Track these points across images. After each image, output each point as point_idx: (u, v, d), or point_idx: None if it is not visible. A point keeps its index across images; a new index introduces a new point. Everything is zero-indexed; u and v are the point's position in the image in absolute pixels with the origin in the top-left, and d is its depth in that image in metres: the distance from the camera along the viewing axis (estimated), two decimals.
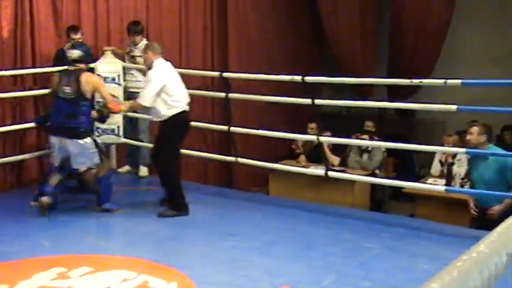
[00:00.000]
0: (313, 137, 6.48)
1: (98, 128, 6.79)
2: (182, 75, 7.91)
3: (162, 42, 7.95)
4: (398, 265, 4.52)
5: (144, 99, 5.58)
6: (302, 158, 7.65)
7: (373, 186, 7.03)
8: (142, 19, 7.80)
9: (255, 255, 4.71)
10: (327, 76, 6.93)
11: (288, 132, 6.69)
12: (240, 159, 6.61)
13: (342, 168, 7.16)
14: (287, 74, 6.46)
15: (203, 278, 4.17)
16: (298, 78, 6.16)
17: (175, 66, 7.89)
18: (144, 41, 7.10)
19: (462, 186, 6.38)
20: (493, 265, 1.51)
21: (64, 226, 5.33)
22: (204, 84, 8.22)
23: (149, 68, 5.70)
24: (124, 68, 7.06)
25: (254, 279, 4.22)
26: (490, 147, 5.42)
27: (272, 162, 6.85)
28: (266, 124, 7.68)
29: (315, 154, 7.46)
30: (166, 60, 5.93)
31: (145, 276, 4.17)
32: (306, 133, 7.83)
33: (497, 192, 5.19)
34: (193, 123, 7.15)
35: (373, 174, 7.13)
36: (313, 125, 7.81)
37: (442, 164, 7.00)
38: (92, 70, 6.22)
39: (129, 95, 7.09)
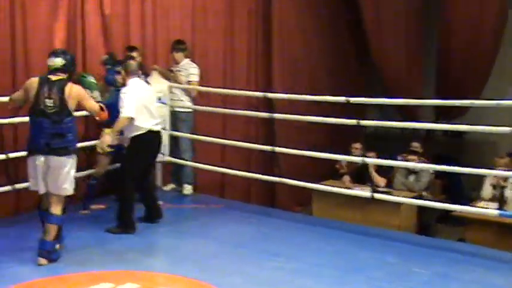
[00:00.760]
0: (359, 158, 6.42)
1: None
2: (226, 96, 8.07)
3: (207, 62, 8.10)
4: None
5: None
6: (346, 178, 7.58)
7: (420, 208, 6.90)
8: (188, 39, 7.92)
9: (299, 277, 4.67)
10: (371, 96, 6.88)
11: (332, 152, 6.66)
12: (284, 180, 6.59)
13: (387, 190, 7.06)
14: (331, 94, 6.44)
15: None
16: (342, 99, 6.13)
17: (220, 86, 8.06)
18: (187, 60, 7.22)
19: None
20: None
21: (111, 242, 5.41)
22: (248, 104, 8.28)
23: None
24: (170, 88, 7.18)
25: None
26: None
27: (315, 182, 6.81)
28: (309, 143, 7.69)
29: (360, 174, 7.38)
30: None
31: None
32: (349, 153, 7.79)
33: None
34: (237, 143, 7.22)
35: (420, 197, 7.01)
36: (357, 145, 7.75)
37: (494, 187, 6.83)
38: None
39: (174, 114, 7.19)
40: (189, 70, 7.20)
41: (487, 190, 6.92)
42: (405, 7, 9.22)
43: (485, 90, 8.86)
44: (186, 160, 7.22)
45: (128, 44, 7.12)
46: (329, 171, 8.18)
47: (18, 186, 5.99)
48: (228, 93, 7.99)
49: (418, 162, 7.18)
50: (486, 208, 6.24)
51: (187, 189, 7.28)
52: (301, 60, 9.09)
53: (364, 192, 6.39)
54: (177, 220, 6.19)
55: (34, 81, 4.78)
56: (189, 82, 7.17)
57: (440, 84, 9.31)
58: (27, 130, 6.25)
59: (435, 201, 6.64)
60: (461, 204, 6.04)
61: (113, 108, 5.48)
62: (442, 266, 4.97)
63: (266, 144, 7.15)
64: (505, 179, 6.59)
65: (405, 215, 6.81)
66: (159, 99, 7.00)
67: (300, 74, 9.01)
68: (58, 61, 4.78)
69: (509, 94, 6.92)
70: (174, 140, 7.28)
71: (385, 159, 6.46)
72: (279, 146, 6.64)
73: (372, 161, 6.74)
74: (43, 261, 4.70)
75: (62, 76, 4.77)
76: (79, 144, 5.29)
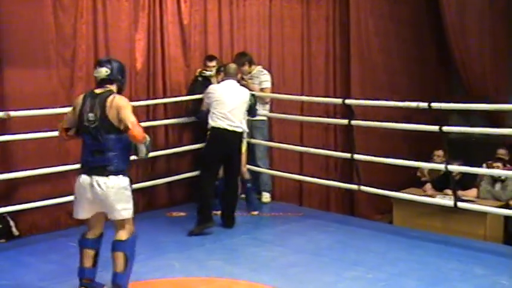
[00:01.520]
0: (441, 166, 6.23)
1: None
2: (303, 103, 8.04)
3: (284, 70, 8.11)
4: None
5: None
6: (428, 186, 7.38)
7: (507, 218, 6.61)
8: (265, 47, 7.98)
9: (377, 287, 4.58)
10: (454, 102, 6.67)
11: (412, 159, 6.50)
12: (363, 187, 6.49)
13: (472, 199, 6.82)
14: (412, 100, 6.28)
15: None
16: (424, 104, 5.97)
17: (297, 94, 8.04)
18: (258, 68, 7.24)
19: None
20: None
21: (191, 249, 5.50)
22: (326, 111, 8.23)
23: None
24: None
25: None
26: None
27: (396, 190, 6.67)
28: (389, 150, 7.53)
29: (442, 182, 7.16)
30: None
31: None
32: (431, 160, 7.58)
33: None
34: (315, 150, 7.16)
35: (507, 206, 6.72)
36: (439, 153, 7.54)
37: None
38: None
39: (248, 122, 7.22)
40: (261, 77, 7.22)
41: None
42: (490, 8, 8.88)
43: None
44: (262, 168, 7.24)
45: (206, 54, 7.24)
46: (409, 179, 7.99)
47: None
48: (305, 100, 7.97)
49: (504, 169, 6.90)
50: None
51: (266, 197, 7.30)
52: (380, 66, 8.93)
53: (447, 200, 6.19)
54: (256, 228, 6.21)
55: (80, 97, 4.39)
56: (261, 89, 7.19)
57: None
58: None
59: None
60: None
61: None
62: None
63: (344, 152, 7.07)
64: None
65: (491, 225, 6.55)
66: None
67: (380, 80, 8.86)
68: (102, 71, 4.30)
69: None
70: (249, 147, 7.31)
71: (469, 166, 6.23)
72: (358, 153, 6.54)
73: (455, 168, 6.52)
74: None
75: (107, 88, 4.30)
76: None
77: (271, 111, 7.48)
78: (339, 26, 8.62)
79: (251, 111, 6.44)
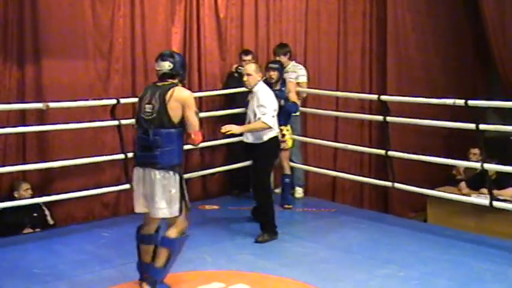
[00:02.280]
0: (477, 164, 6.12)
1: None
2: (337, 98, 7.99)
3: (320, 65, 8.07)
4: None
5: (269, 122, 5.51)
6: (463, 184, 7.27)
7: None
8: (301, 42, 7.95)
9: (411, 286, 4.53)
10: (491, 99, 6.55)
11: (447, 157, 6.40)
12: (397, 185, 6.42)
13: (508, 198, 6.69)
14: (449, 97, 6.19)
15: None
16: (461, 102, 5.87)
17: (333, 89, 8.00)
18: (293, 62, 7.21)
19: None
20: None
21: (222, 243, 5.52)
22: (361, 107, 8.17)
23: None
24: None
25: None
26: None
27: (430, 188, 6.58)
28: (424, 148, 7.44)
29: (478, 181, 7.04)
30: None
31: None
32: (467, 158, 7.45)
33: None
34: (350, 147, 7.12)
35: None
36: (476, 151, 7.41)
37: None
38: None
39: None
40: (298, 72, 7.18)
41: None
42: None
43: None
44: (296, 163, 7.22)
45: (242, 48, 7.25)
46: (444, 177, 7.89)
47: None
48: (340, 95, 7.92)
49: None
50: None
51: (299, 192, 7.29)
52: (417, 62, 8.83)
53: (482, 199, 6.09)
54: (288, 223, 6.20)
55: (144, 89, 4.42)
56: (298, 84, 7.16)
57: None
58: None
59: None
60: None
61: None
62: None
63: (379, 148, 7.01)
64: None
65: None
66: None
67: (416, 76, 8.76)
68: (165, 65, 4.24)
69: None
70: None
71: (505, 165, 6.11)
72: (393, 150, 6.47)
73: (492, 167, 6.41)
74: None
75: (169, 81, 4.23)
76: None
77: (305, 105, 7.46)
78: (375, 21, 8.54)
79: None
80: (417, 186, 6.34)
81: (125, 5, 6.46)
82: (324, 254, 5.26)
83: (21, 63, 5.88)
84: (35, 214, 5.89)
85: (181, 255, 4.76)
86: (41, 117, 5.91)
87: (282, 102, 6.23)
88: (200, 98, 6.95)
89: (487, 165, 5.85)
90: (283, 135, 6.48)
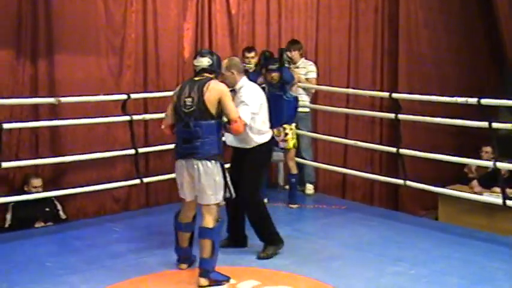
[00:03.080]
0: (490, 163, 6.09)
1: None
2: (348, 95, 7.96)
3: (331, 61, 8.05)
4: None
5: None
6: (475, 183, 7.21)
7: None
8: (312, 38, 7.94)
9: (422, 284, 4.52)
10: (505, 96, 6.50)
11: (459, 155, 6.37)
12: (409, 182, 6.40)
13: None
14: (461, 94, 6.15)
15: None
16: (473, 100, 5.83)
17: (343, 86, 7.97)
18: (303, 59, 7.20)
19: None
20: None
21: None
22: (372, 104, 8.14)
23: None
24: None
25: None
26: None
27: (441, 186, 6.56)
28: (436, 146, 7.41)
29: (490, 180, 7.00)
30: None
31: None
32: (479, 156, 7.41)
33: None
34: (360, 144, 7.10)
35: None
36: (488, 149, 7.36)
37: None
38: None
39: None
40: (308, 67, 7.17)
41: None
42: None
43: None
44: (306, 159, 7.22)
45: (253, 44, 7.25)
46: (456, 175, 7.85)
47: (146, 180, 6.29)
48: (351, 92, 7.89)
49: None
50: None
51: (309, 188, 7.28)
52: (429, 59, 8.77)
53: (495, 198, 6.06)
54: (299, 220, 6.20)
55: (179, 86, 4.58)
56: (307, 80, 7.15)
57: None
58: (157, 126, 6.57)
59: None
60: None
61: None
62: None
63: (390, 146, 6.98)
64: None
65: None
66: None
67: (428, 73, 8.71)
68: (204, 61, 4.49)
69: None
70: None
71: None
72: (404, 148, 6.45)
73: (504, 166, 6.37)
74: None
75: (206, 75, 4.46)
76: None
77: (316, 102, 7.44)
78: (387, 17, 8.50)
79: None
80: (428, 184, 6.32)
81: (137, 1, 6.48)
82: (334, 251, 5.25)
83: (35, 58, 5.91)
84: (47, 208, 5.94)
85: (192, 251, 4.78)
86: (54, 112, 5.95)
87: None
88: None
89: (499, 164, 5.82)
90: (286, 134, 6.45)
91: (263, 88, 6.11)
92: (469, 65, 9.24)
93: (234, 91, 4.92)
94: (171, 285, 4.40)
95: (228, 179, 4.49)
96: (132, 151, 6.14)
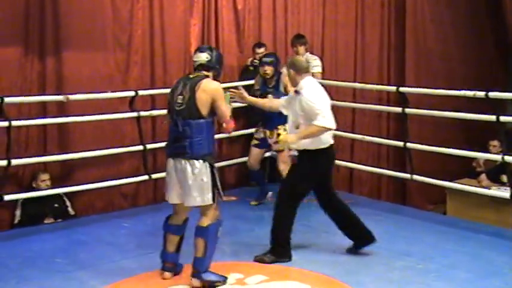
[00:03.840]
0: (498, 156, 6.08)
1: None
2: (355, 90, 7.94)
3: (337, 56, 8.04)
4: None
5: (329, 123, 4.67)
6: (483, 177, 7.20)
7: None
8: (319, 34, 7.94)
9: (430, 278, 4.53)
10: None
11: (467, 149, 6.36)
12: (416, 176, 6.40)
13: None
14: (468, 89, 6.15)
15: None
16: (481, 94, 5.83)
17: (350, 80, 7.95)
18: (308, 54, 7.19)
19: None
20: None
21: (240, 234, 5.56)
22: (379, 98, 8.13)
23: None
24: None
25: None
26: None
27: (449, 180, 6.55)
28: (443, 140, 7.39)
29: (498, 174, 6.98)
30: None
31: None
32: (486, 150, 7.40)
33: None
34: (367, 138, 7.09)
35: None
36: (495, 143, 7.35)
37: None
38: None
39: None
40: (312, 62, 7.15)
41: None
42: None
43: None
44: None
45: (259, 39, 7.25)
46: (463, 169, 7.84)
47: (154, 176, 6.31)
48: (358, 87, 7.88)
49: None
50: None
51: None
52: (436, 53, 8.74)
53: (502, 192, 6.05)
54: (306, 214, 6.17)
55: (175, 81, 4.50)
56: (312, 74, 7.13)
57: None
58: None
59: None
60: None
61: None
62: None
63: (397, 140, 6.98)
64: None
65: None
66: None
67: (435, 68, 8.67)
68: (203, 56, 4.34)
69: None
70: None
71: None
72: (411, 142, 6.44)
73: None
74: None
75: (203, 73, 4.31)
76: None
77: None
78: (394, 12, 8.48)
79: None
80: (436, 179, 6.31)
81: None
82: (342, 245, 5.24)
83: (42, 55, 5.94)
84: (56, 205, 5.97)
85: None
86: (62, 109, 5.98)
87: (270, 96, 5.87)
88: None
89: (507, 158, 5.80)
90: (278, 135, 5.99)
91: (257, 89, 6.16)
92: (476, 60, 9.20)
93: (297, 92, 4.78)
94: (180, 281, 4.42)
95: (218, 180, 4.32)
96: (140, 147, 6.16)
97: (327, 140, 4.85)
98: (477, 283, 4.45)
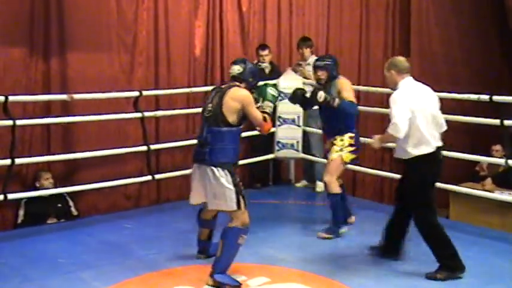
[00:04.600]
0: (501, 160, 6.07)
1: (278, 142, 7.02)
2: (358, 92, 7.92)
3: (342, 58, 8.01)
4: None
5: (396, 129, 4.47)
6: (488, 181, 7.19)
7: None
8: (323, 36, 7.94)
9: (434, 283, 4.52)
10: None
11: (471, 153, 6.34)
12: None
13: None
14: (473, 92, 6.13)
15: None
16: (485, 97, 5.82)
17: (354, 83, 7.93)
18: (314, 57, 7.17)
19: None
20: None
21: None
22: (382, 101, 8.10)
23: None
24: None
25: None
26: None
27: (453, 184, 6.54)
28: (446, 143, 7.35)
29: (502, 178, 6.97)
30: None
31: None
32: (490, 154, 7.38)
33: None
34: (370, 141, 7.05)
35: None
36: (497, 147, 7.35)
37: None
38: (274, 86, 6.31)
39: (307, 113, 7.16)
40: None
41: None
42: None
43: None
44: (317, 157, 7.21)
45: (264, 42, 7.25)
46: (467, 174, 7.82)
47: (158, 176, 6.31)
48: (362, 89, 7.87)
49: None
50: None
51: (320, 186, 7.25)
52: (440, 57, 8.74)
53: (507, 196, 6.03)
54: (309, 217, 6.20)
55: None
56: None
57: None
58: (168, 123, 6.60)
59: None
60: None
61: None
62: None
63: None
64: None
65: None
66: (293, 121, 7.09)
67: (439, 71, 8.66)
68: (235, 69, 4.48)
69: None
70: (305, 136, 7.30)
71: None
72: None
73: None
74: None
75: (235, 84, 4.41)
76: None
77: None
78: (398, 15, 8.48)
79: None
80: (440, 182, 6.28)
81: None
82: (345, 248, 5.26)
83: (47, 55, 5.95)
84: (59, 205, 5.97)
85: None
86: (66, 108, 5.98)
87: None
88: None
89: (511, 162, 5.79)
90: (333, 144, 5.66)
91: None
92: (481, 64, 9.19)
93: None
94: (181, 282, 4.42)
95: (240, 187, 4.35)
96: (144, 148, 6.17)
97: (417, 148, 4.58)
98: None
